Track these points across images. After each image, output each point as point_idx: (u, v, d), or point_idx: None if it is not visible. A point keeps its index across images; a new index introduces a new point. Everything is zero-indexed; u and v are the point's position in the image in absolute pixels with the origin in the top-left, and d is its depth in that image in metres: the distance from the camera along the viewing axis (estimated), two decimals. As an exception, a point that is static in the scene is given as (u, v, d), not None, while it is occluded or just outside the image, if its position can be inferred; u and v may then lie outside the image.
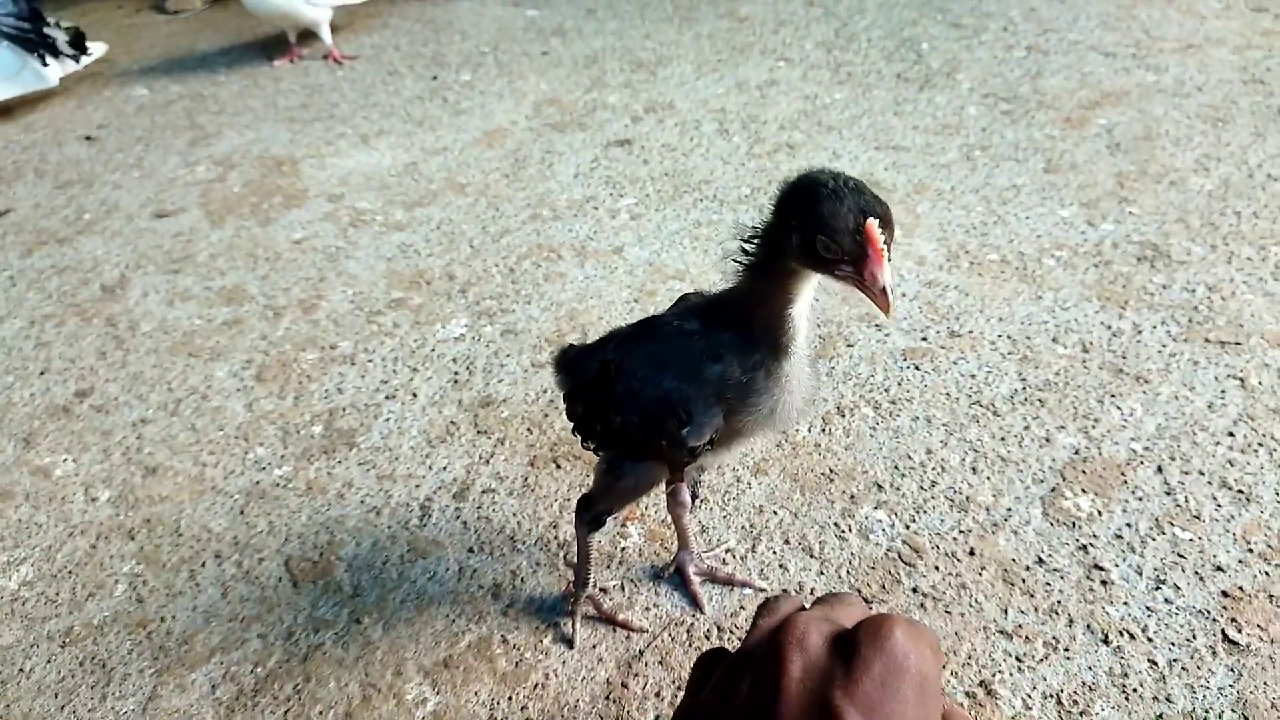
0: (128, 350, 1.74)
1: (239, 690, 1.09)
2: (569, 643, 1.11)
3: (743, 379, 0.85)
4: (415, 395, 1.54)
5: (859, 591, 1.14)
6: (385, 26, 3.75)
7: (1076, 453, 1.31)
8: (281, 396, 1.57)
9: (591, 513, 1.04)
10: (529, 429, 1.45)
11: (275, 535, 1.30)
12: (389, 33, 3.67)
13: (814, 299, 0.83)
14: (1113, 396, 1.39)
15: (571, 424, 1.03)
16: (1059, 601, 1.10)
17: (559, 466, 1.37)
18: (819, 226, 0.72)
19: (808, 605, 0.52)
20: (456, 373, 1.59)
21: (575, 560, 1.13)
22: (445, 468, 1.39)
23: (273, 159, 2.56)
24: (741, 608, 1.13)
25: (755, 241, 0.81)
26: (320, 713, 1.05)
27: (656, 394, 0.87)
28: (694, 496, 1.14)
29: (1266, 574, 1.12)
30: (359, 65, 3.29)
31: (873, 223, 0.70)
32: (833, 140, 2.32)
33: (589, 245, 1.96)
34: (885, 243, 0.71)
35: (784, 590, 1.16)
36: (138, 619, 1.19)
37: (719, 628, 1.12)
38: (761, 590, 1.15)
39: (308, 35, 3.43)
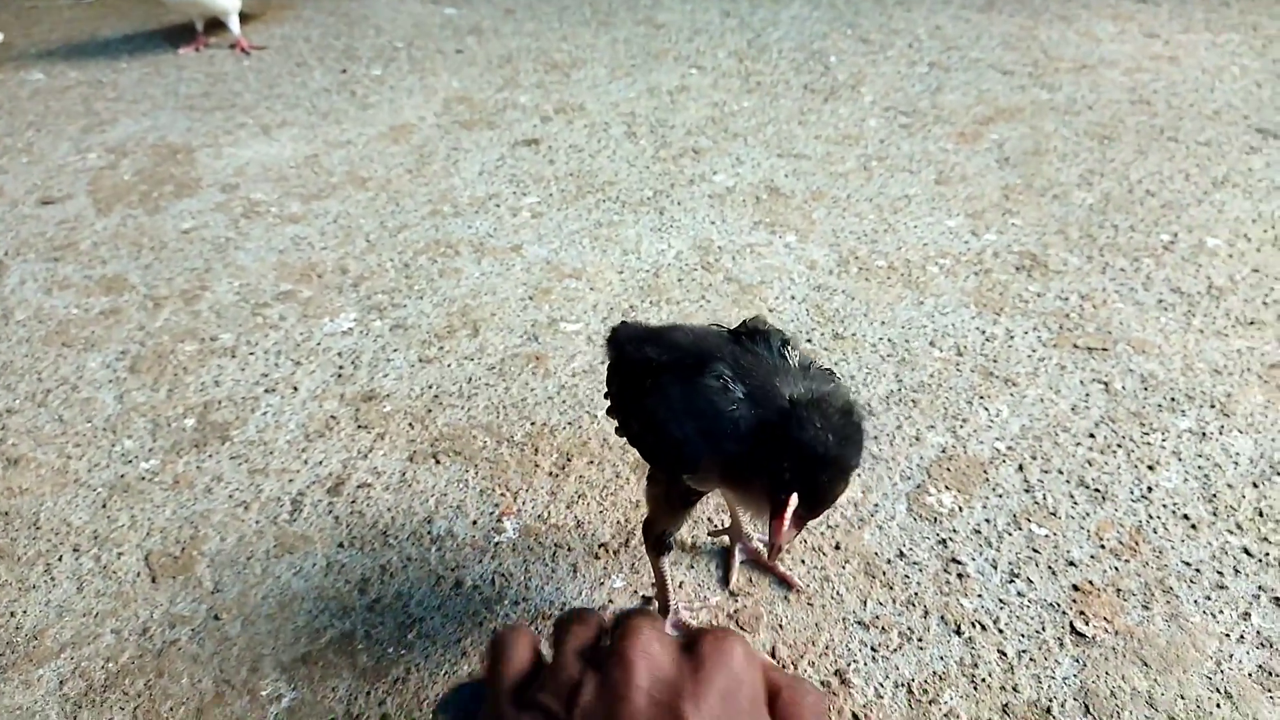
0: (-4, 339, 1.68)
1: (88, 686, 1.05)
2: None
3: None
4: (296, 389, 1.51)
5: (726, 586, 1.15)
6: (297, 18, 3.68)
7: (943, 451, 1.35)
8: (155, 389, 1.53)
9: (651, 535, 1.03)
10: (410, 424, 1.43)
11: (137, 529, 1.26)
12: (300, 24, 3.60)
13: None
14: (982, 398, 1.44)
15: (606, 396, 1.02)
16: (916, 594, 1.13)
17: (438, 462, 1.36)
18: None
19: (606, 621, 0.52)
20: (341, 367, 1.56)
21: (655, 586, 1.11)
22: (321, 462, 1.36)
23: (168, 147, 2.49)
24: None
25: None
26: (171, 709, 1.02)
27: (675, 434, 0.86)
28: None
29: (1116, 569, 1.16)
30: (267, 56, 3.22)
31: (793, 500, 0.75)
32: (737, 146, 2.35)
33: (488, 242, 1.95)
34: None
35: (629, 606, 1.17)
36: (-18, 615, 1.14)
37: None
38: (799, 590, 1.15)
39: (216, 24, 3.34)
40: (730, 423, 0.82)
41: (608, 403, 1.02)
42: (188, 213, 2.12)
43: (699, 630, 0.49)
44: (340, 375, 1.54)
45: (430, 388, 1.51)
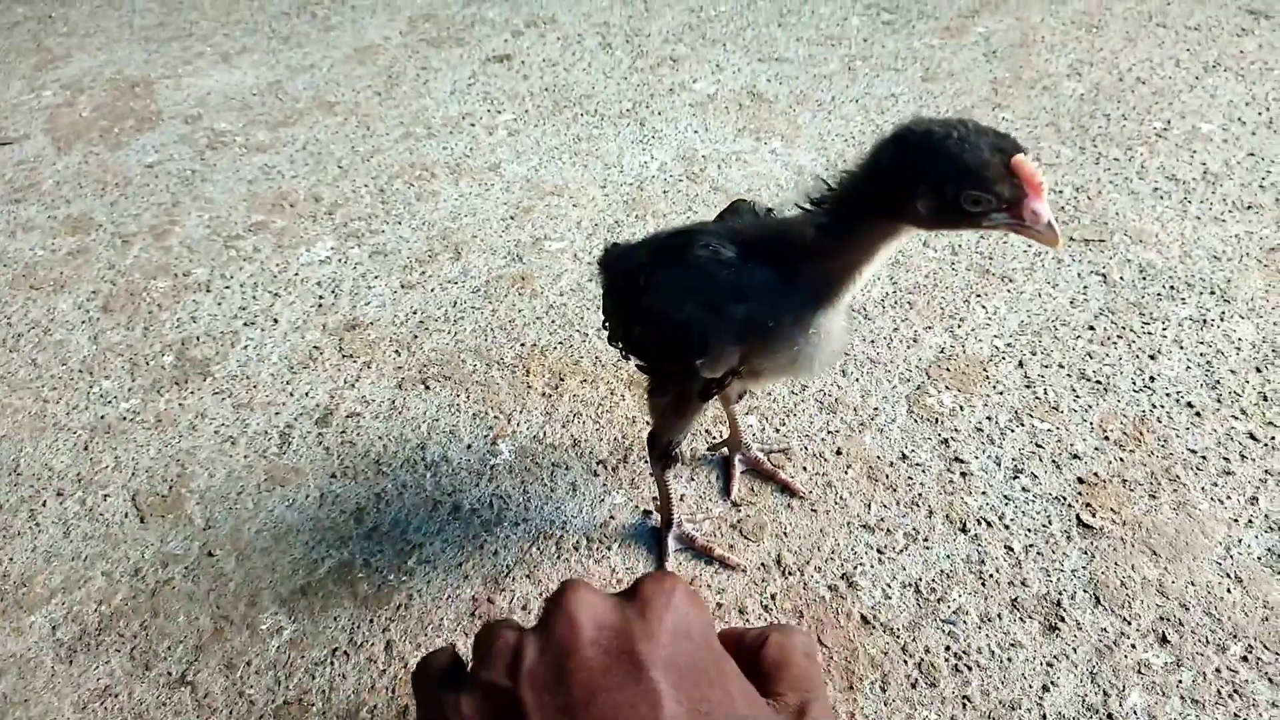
0: (-40, 286, 1.61)
1: (81, 630, 1.03)
2: None
3: (769, 324, 0.78)
4: (276, 321, 1.47)
5: (727, 498, 1.14)
6: (251, -60, 3.51)
7: (942, 351, 1.32)
8: (130, 327, 1.48)
9: (657, 448, 1.00)
10: (397, 351, 1.40)
11: (122, 470, 1.22)
12: (255, -53, 3.43)
13: (887, 261, 0.76)
14: (979, 296, 1.41)
15: (604, 325, 0.99)
16: (920, 495, 1.12)
17: (428, 388, 1.33)
18: (968, 181, 0.64)
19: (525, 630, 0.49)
20: (321, 297, 1.52)
21: (658, 500, 1.09)
22: (308, 393, 1.33)
23: (126, 81, 2.38)
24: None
25: (845, 191, 0.72)
26: (169, 648, 1.00)
27: (676, 318, 0.82)
28: (740, 393, 1.11)
29: (1121, 460, 1.15)
30: (221, -19, 3.08)
31: (1021, 159, 0.64)
32: (717, 53, 2.27)
33: (464, 163, 1.88)
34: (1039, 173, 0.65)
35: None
36: (-31, 564, 1.11)
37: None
38: (801, 496, 1.13)
39: (164, -51, 3.18)
40: (730, 285, 0.79)
41: (606, 332, 0.98)
42: (151, 147, 2.04)
43: (637, 580, 0.47)
44: (321, 305, 1.50)
45: (415, 313, 1.47)
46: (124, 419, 1.30)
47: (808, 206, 0.75)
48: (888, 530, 1.08)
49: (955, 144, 0.64)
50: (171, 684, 0.96)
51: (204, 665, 0.99)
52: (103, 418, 1.31)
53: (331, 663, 0.98)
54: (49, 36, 2.75)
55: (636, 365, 0.96)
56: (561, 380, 1.33)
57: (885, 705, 0.91)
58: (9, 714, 0.95)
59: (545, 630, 0.44)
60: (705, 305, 0.81)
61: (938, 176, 0.65)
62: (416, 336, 1.42)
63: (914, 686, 0.92)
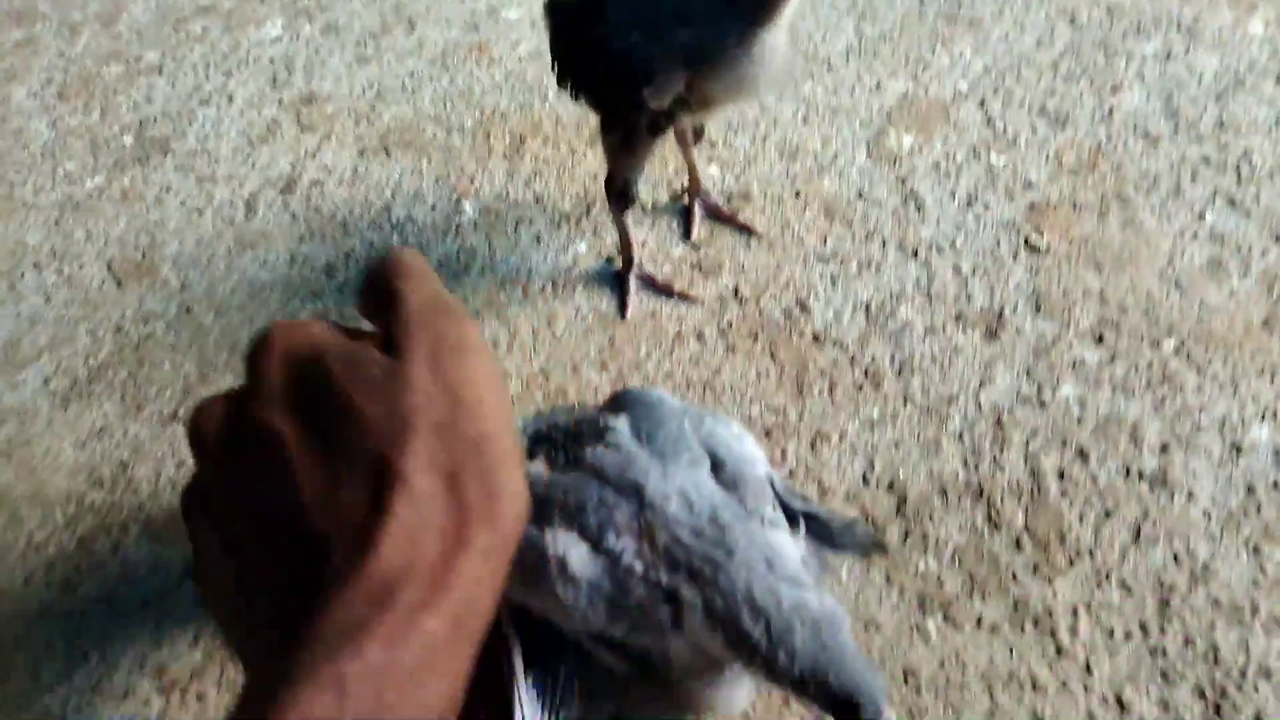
0: (-91, 82, 1.58)
1: (73, 381, 1.08)
2: (622, 313, 1.09)
3: (715, 46, 0.78)
4: (231, 99, 1.45)
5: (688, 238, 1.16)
6: None
7: (905, 96, 1.31)
8: (87, 112, 1.46)
9: (614, 188, 1.01)
10: (356, 122, 1.38)
11: (94, 242, 1.24)
12: None
13: None
14: (945, 42, 1.39)
15: (553, 68, 0.98)
16: (875, 228, 1.15)
17: (389, 155, 1.33)
18: None
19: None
20: (275, 73, 1.49)
21: (618, 243, 1.11)
22: (269, 165, 1.33)
23: (54, -128, 2.24)
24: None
25: None
26: (158, 391, 1.05)
27: (619, 48, 0.82)
28: (697, 134, 1.12)
29: (1073, 186, 1.17)
30: None
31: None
32: None
33: (417, -62, 1.80)
34: None
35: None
36: (-45, 332, 1.15)
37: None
38: (759, 234, 1.16)
39: None
40: (673, 11, 0.79)
41: (555, 77, 0.98)
42: (87, -62, 1.94)
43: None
44: (275, 81, 1.47)
45: (371, 86, 1.45)
46: (91, 196, 1.31)
47: None
48: (841, 260, 1.11)
49: None
50: (164, 420, 1.02)
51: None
52: (70, 196, 1.32)
53: (311, 399, 1.03)
54: None
55: (586, 102, 0.96)
56: (523, 142, 1.32)
57: (832, 405, 0.96)
58: (14, 454, 1.01)
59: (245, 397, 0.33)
60: (649, 33, 0.80)
61: None
62: (375, 108, 1.41)
63: (859, 389, 0.98)
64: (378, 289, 0.34)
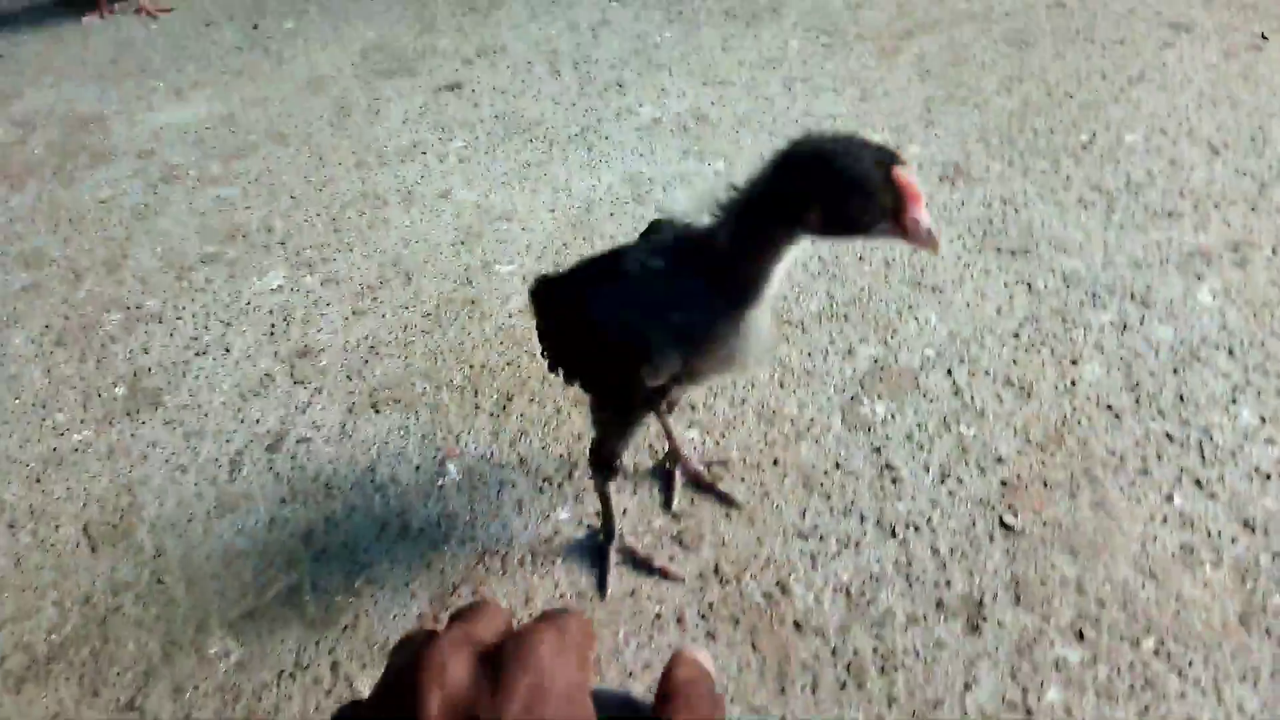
0: (-89, 324, 1.62)
1: (31, 660, 1.04)
2: (601, 592, 1.09)
3: (706, 327, 0.82)
4: (228, 350, 1.49)
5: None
6: (206, -27, 3.53)
7: (875, 362, 1.37)
8: (83, 360, 1.49)
9: (599, 460, 1.02)
10: (348, 376, 1.42)
11: (73, 500, 1.24)
12: (210, -20, 3.46)
13: (795, 261, 0.79)
14: (911, 308, 1.46)
15: (543, 354, 1.02)
16: (853, 501, 1.16)
17: (378, 411, 1.35)
18: (853, 195, 0.67)
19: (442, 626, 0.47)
20: (273, 324, 1.54)
21: (600, 512, 1.12)
22: (258, 420, 1.35)
23: (78, 118, 2.39)
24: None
25: (743, 204, 0.76)
26: (118, 674, 1.02)
27: (616, 333, 0.86)
28: (671, 404, 1.15)
29: (1043, 462, 1.20)
30: (174, 18, 3.10)
31: (900, 170, 0.67)
32: (662, 78, 2.32)
33: (415, 190, 1.92)
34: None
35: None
36: (-81, 600, 1.13)
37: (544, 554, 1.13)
38: (739, 506, 1.17)
39: (118, -16, 3.19)
40: (665, 295, 0.83)
41: (545, 360, 1.02)
42: (104, 182, 2.05)
43: (513, 631, 0.44)
44: (273, 333, 1.52)
45: (366, 339, 1.50)
46: (76, 450, 1.32)
47: (718, 214, 0.80)
48: (821, 537, 1.12)
49: (840, 160, 0.68)
50: (121, 709, 0.98)
51: (153, 690, 1.01)
52: (55, 450, 1.33)
53: (278, 685, 1.00)
54: (0, 75, 2.75)
55: (580, 386, 1.00)
56: (510, 400, 1.36)
57: (816, 707, 0.94)
58: (-41, 745, 0.97)
59: (396, 704, 0.41)
60: (644, 316, 0.85)
61: (826, 191, 0.69)
62: (367, 361, 1.45)
63: (843, 688, 0.96)
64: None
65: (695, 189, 1.83)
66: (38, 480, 1.28)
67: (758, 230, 0.77)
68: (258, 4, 3.11)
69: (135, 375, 1.45)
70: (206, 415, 1.37)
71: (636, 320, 0.85)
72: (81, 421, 1.37)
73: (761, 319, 0.85)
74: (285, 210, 1.88)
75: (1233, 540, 1.08)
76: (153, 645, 1.05)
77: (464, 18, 2.82)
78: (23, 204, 2.00)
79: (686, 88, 2.25)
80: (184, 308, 1.60)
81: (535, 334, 1.05)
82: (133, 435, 1.34)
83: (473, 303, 1.56)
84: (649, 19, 2.70)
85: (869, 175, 0.67)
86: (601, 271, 0.94)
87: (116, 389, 1.43)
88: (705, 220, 0.82)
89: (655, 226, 1.00)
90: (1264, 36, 2.24)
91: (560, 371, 1.00)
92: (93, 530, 1.20)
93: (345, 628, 1.05)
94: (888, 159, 0.68)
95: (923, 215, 0.69)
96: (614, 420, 0.99)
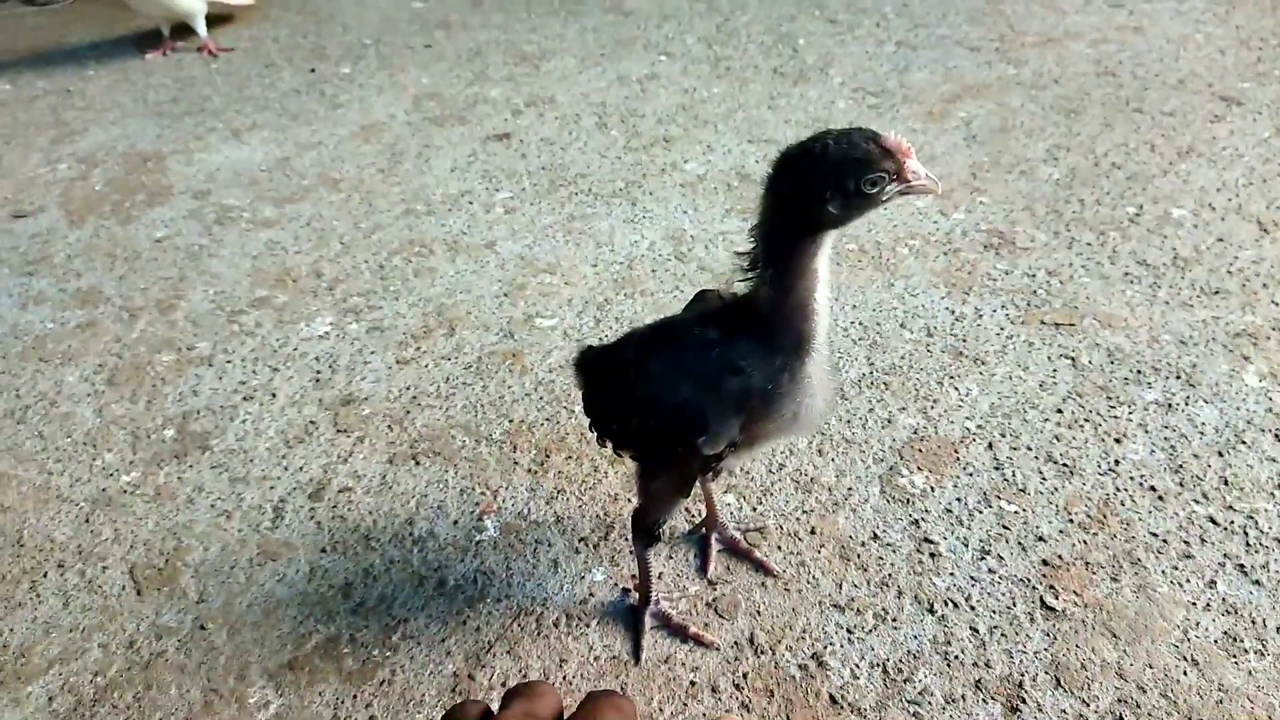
0: (-28, 357, 1.68)
1: (77, 701, 1.06)
2: (636, 658, 1.09)
3: (766, 387, 0.84)
4: (274, 395, 1.52)
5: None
6: (265, 18, 3.65)
7: (915, 432, 1.37)
8: (134, 400, 1.53)
9: (643, 527, 1.03)
10: (390, 426, 1.45)
11: (120, 543, 1.27)
12: (268, 24, 3.57)
13: (831, 283, 0.84)
14: (952, 378, 1.46)
15: (590, 424, 1.03)
16: (890, 575, 1.16)
17: (418, 463, 1.37)
18: (861, 170, 0.75)
19: (494, 704, 0.49)
20: (319, 371, 1.57)
21: (637, 577, 1.13)
22: (302, 468, 1.37)
23: (138, 155, 2.48)
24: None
25: (764, 238, 0.82)
26: (159, 720, 1.04)
27: (674, 403, 0.87)
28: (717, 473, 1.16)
29: (1084, 542, 1.19)
30: (235, 58, 3.21)
31: (888, 136, 0.76)
32: (708, 134, 2.36)
33: (462, 240, 1.95)
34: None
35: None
36: (-31, 635, 1.15)
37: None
38: (775, 575, 1.17)
39: (183, 28, 3.31)
40: (720, 361, 0.85)
41: (594, 433, 1.03)
42: (160, 221, 2.11)
43: (574, 713, 0.47)
44: (318, 380, 1.55)
45: (408, 389, 1.52)
46: (124, 492, 1.35)
47: (747, 271, 0.84)
48: (858, 610, 1.12)
49: (836, 148, 0.76)
50: (159, 757, 1.00)
51: (192, 738, 1.02)
52: (104, 490, 1.36)
53: (315, 737, 1.01)
54: (67, 110, 2.86)
55: (630, 457, 1.01)
56: (548, 456, 1.37)
57: (849, 786, 0.93)
58: (1, 786, 0.98)
59: None
60: (700, 385, 0.86)
61: (838, 176, 0.76)
62: (409, 412, 1.47)
63: (878, 768, 0.95)
64: None
65: (737, 247, 1.85)
66: (86, 520, 1.31)
67: (787, 250, 0.81)
68: (316, 48, 3.21)
69: (184, 418, 1.49)
70: (252, 461, 1.39)
71: (692, 391, 0.86)
72: (130, 463, 1.41)
73: (818, 371, 0.86)
74: (334, 255, 1.92)
75: (1278, 630, 1.06)
76: (194, 692, 1.06)
77: (515, 68, 2.89)
78: (81, 240, 2.06)
79: (732, 144, 2.28)
80: (234, 351, 1.64)
81: (579, 397, 1.06)
82: (180, 479, 1.37)
83: (514, 356, 1.58)
84: (697, 74, 2.75)
85: (869, 150, 0.76)
86: (653, 340, 0.96)
87: (165, 431, 1.46)
88: (743, 286, 0.86)
89: (701, 296, 1.01)
90: (1313, 110, 2.24)
91: (609, 443, 1.01)
92: (138, 574, 1.22)
93: (382, 682, 1.06)
94: (871, 133, 0.77)
95: (917, 165, 0.78)
96: (667, 488, 1.00)
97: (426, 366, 1.57)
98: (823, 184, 0.76)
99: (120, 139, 2.60)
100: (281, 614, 1.15)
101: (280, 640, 1.12)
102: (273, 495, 1.33)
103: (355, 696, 1.05)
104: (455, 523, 1.27)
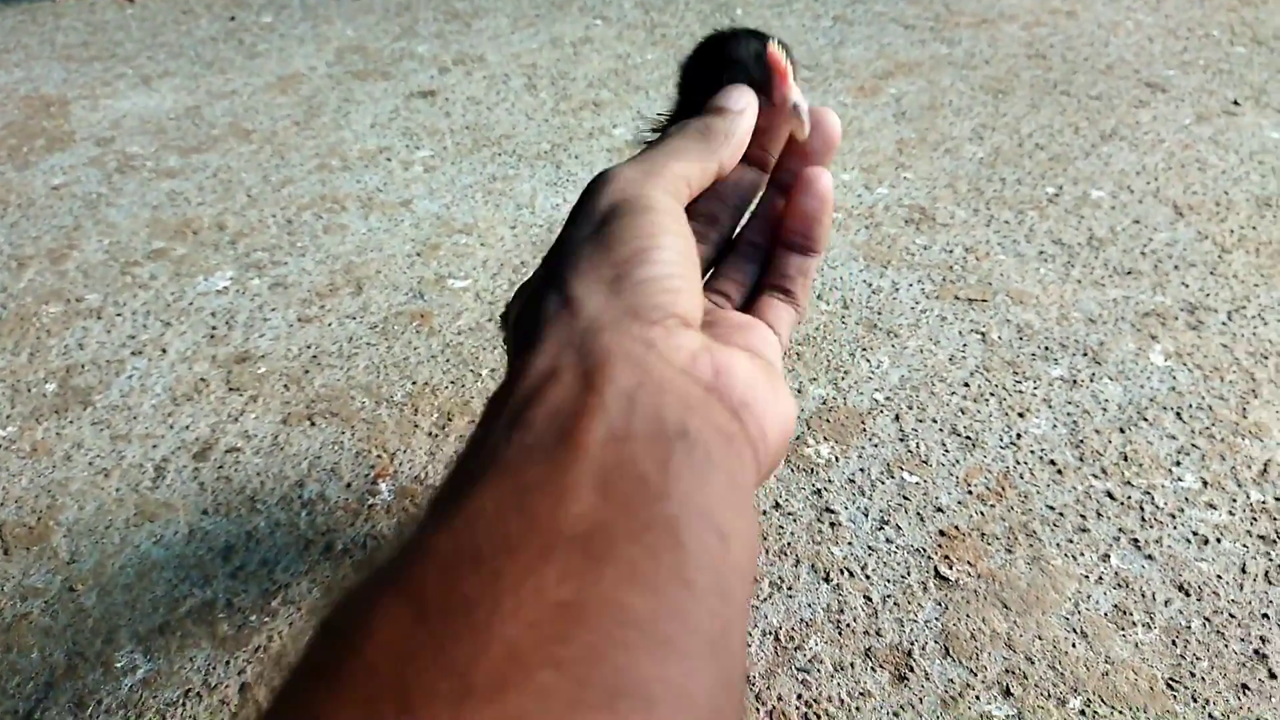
0: None
1: (-76, 667, 1.00)
2: None
3: None
4: (165, 351, 1.45)
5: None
6: (187, -38, 3.49)
7: (824, 403, 1.36)
8: (15, 353, 1.45)
9: None
10: (286, 385, 1.39)
11: (-13, 501, 1.20)
12: (190, -31, 3.42)
13: None
14: (864, 350, 1.46)
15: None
16: (789, 544, 1.15)
17: (314, 424, 1.32)
18: (725, 64, 0.71)
19: None
20: (214, 327, 1.51)
21: None
22: (188, 427, 1.31)
23: (40, 99, 2.35)
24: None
25: (671, 119, 0.79)
26: (18, 684, 0.98)
27: None
28: None
29: (981, 514, 1.19)
30: (151, 3, 3.06)
31: (773, 45, 0.70)
32: (639, 99, 2.32)
33: (377, 197, 1.89)
34: (789, 62, 0.71)
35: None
36: None
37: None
38: None
39: (95, -33, 3.15)
40: None
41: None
42: (59, 168, 2.01)
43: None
44: (213, 336, 1.49)
45: (309, 348, 1.46)
46: (-4, 447, 1.28)
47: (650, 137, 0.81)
48: (755, 579, 1.10)
49: (721, 39, 0.72)
50: (12, 724, 0.94)
51: (53, 703, 0.97)
52: (-27, 445, 1.28)
53: (184, 704, 0.97)
54: (-33, 49, 2.70)
55: None
56: (450, 420, 1.33)
57: (731, 754, 0.92)
58: None
59: None
60: None
61: (729, 65, 0.72)
62: (308, 371, 1.42)
63: (762, 736, 0.94)
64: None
65: (659, 215, 1.81)
66: (-47, 475, 1.24)
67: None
68: (235, -3, 3.08)
69: (67, 371, 1.41)
70: (135, 418, 1.33)
71: None
72: (8, 417, 1.33)
73: None
74: (240, 208, 1.84)
75: (1166, 603, 1.08)
76: (58, 656, 1.01)
77: (445, 24, 2.80)
78: (-28, 185, 1.95)
79: (662, 111, 2.24)
80: (125, 304, 1.56)
81: (489, 360, 1.03)
82: (58, 434, 1.30)
83: (422, 317, 1.53)
84: (632, 39, 2.70)
85: (745, 52, 0.71)
86: None
87: (47, 385, 1.39)
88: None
89: None
90: (1236, 103, 2.28)
91: None
92: (7, 532, 1.16)
93: (257, 648, 1.02)
94: (760, 47, 0.71)
95: (791, 92, 0.71)
96: None
97: (330, 325, 1.52)
98: (718, 68, 0.74)
99: (23, 82, 2.46)
100: (156, 576, 1.10)
101: (152, 604, 1.07)
102: (155, 454, 1.27)
103: (228, 662, 1.00)
104: (348, 485, 1.23)
